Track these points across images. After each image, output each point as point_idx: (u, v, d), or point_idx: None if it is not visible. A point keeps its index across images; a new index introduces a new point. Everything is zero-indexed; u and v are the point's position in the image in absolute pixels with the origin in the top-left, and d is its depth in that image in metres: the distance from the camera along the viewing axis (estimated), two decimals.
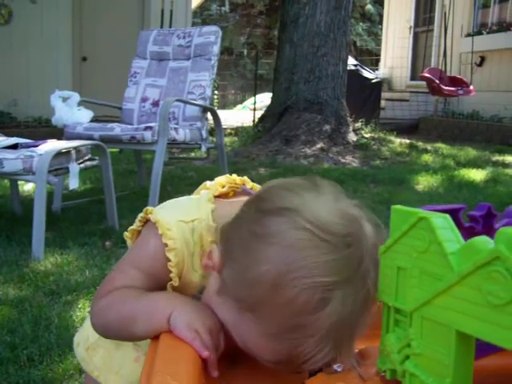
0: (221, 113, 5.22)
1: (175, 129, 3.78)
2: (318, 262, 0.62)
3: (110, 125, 3.79)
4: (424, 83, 9.18)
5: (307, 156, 6.20)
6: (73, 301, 2.21)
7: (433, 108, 10.78)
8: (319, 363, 0.65)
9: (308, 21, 6.89)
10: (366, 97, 10.00)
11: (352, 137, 6.99)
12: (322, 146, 6.43)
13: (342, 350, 0.65)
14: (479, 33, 10.25)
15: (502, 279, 0.47)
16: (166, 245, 0.78)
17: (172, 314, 0.70)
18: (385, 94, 11.52)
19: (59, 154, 2.85)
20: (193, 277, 0.81)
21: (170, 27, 7.51)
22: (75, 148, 3.04)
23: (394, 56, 13.20)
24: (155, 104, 4.32)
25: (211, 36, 4.32)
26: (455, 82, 9.03)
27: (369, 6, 21.18)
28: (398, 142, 7.72)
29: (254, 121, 8.95)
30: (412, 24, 12.87)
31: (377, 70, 13.84)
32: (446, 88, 8.67)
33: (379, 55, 14.98)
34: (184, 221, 0.80)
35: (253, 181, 0.93)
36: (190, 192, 0.95)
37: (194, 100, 4.13)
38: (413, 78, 12.56)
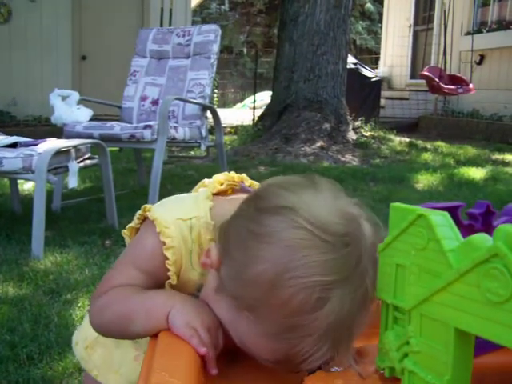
0: (220, 111, 5.22)
1: (175, 127, 3.78)
2: (316, 261, 0.62)
3: (109, 123, 3.79)
4: (424, 82, 9.18)
5: (307, 154, 6.20)
6: (72, 299, 2.21)
7: (432, 106, 10.78)
8: (317, 362, 0.65)
9: (308, 19, 6.89)
10: (365, 95, 10.00)
11: (352, 135, 6.99)
12: (321, 145, 6.43)
13: (340, 349, 0.65)
14: (479, 31, 10.24)
15: (501, 276, 0.47)
16: (163, 243, 0.78)
17: (170, 311, 0.70)
18: (384, 93, 11.52)
19: (59, 153, 2.85)
20: (191, 275, 0.81)
21: (170, 26, 7.51)
22: (75, 147, 3.04)
23: (394, 54, 13.20)
24: (155, 102, 4.32)
25: (211, 34, 4.32)
26: (455, 80, 9.03)
27: (368, 5, 21.17)
28: (398, 141, 7.72)
29: (253, 119, 8.95)
30: (412, 22, 12.86)
31: (376, 68, 13.84)
32: (446, 86, 8.67)
33: (379, 54, 14.98)
34: (182, 219, 0.80)
35: (252, 179, 0.92)
36: (189, 190, 0.95)
37: (194, 98, 4.13)
38: (412, 76, 12.56)
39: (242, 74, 21.39)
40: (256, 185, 0.88)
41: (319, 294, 0.61)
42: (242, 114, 12.06)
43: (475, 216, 0.72)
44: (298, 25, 6.94)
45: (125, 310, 0.76)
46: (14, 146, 2.93)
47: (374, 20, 21.25)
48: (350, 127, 7.15)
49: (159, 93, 4.34)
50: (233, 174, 0.90)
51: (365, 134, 7.48)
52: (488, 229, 0.70)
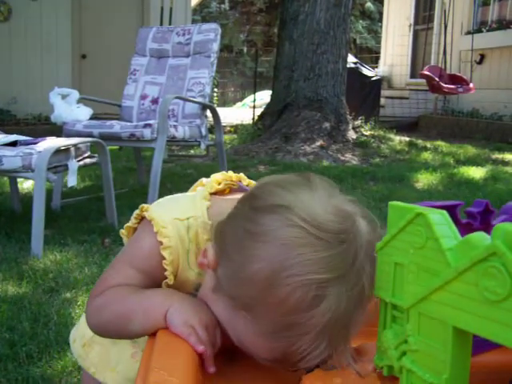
0: (220, 110, 5.22)
1: (174, 126, 3.78)
2: (312, 259, 0.62)
3: (109, 122, 3.79)
4: (424, 81, 9.18)
5: (307, 153, 6.20)
6: (72, 298, 2.21)
7: (432, 106, 10.78)
8: (315, 361, 0.65)
9: (308, 18, 6.89)
10: (365, 94, 9.99)
11: (352, 134, 6.99)
12: (321, 144, 6.43)
13: (338, 347, 0.65)
14: (479, 30, 10.24)
15: (499, 275, 0.47)
16: (160, 243, 0.78)
17: (168, 310, 0.70)
18: (384, 92, 11.52)
19: (58, 152, 2.85)
20: (188, 274, 0.81)
21: (170, 25, 7.50)
22: (74, 145, 3.04)
23: (394, 54, 13.19)
24: (154, 101, 4.32)
25: (211, 33, 4.32)
26: (455, 79, 9.03)
27: (369, 4, 21.16)
28: (398, 140, 7.72)
29: (253, 118, 8.95)
30: (412, 22, 12.86)
31: (376, 67, 13.84)
32: (446, 86, 8.67)
33: (379, 53, 14.98)
34: (179, 218, 0.80)
35: (251, 178, 0.92)
36: (189, 189, 0.95)
37: (194, 97, 4.13)
38: (412, 75, 12.55)
39: (242, 73, 21.39)
40: (254, 184, 0.88)
41: (316, 291, 0.61)
42: (241, 112, 12.06)
43: (474, 215, 0.72)
44: (298, 24, 6.93)
45: (123, 310, 0.75)
46: (13, 144, 2.93)
47: (374, 19, 21.25)
48: (350, 126, 7.15)
49: (159, 91, 4.34)
50: (231, 173, 0.90)
51: (365, 133, 7.47)
52: (487, 227, 0.70)
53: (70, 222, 3.28)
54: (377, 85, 10.59)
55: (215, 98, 12.22)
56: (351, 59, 9.83)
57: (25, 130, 6.72)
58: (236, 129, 8.68)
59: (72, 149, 3.02)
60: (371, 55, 18.69)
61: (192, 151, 6.49)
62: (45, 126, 7.25)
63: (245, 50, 22.76)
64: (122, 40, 8.53)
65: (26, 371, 1.66)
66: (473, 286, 0.49)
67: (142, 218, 0.84)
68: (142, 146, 3.78)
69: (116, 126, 3.64)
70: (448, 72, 9.29)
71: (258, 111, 8.55)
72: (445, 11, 9.40)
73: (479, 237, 0.51)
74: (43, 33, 8.55)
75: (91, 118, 3.93)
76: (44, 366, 1.69)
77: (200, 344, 0.66)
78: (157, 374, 0.58)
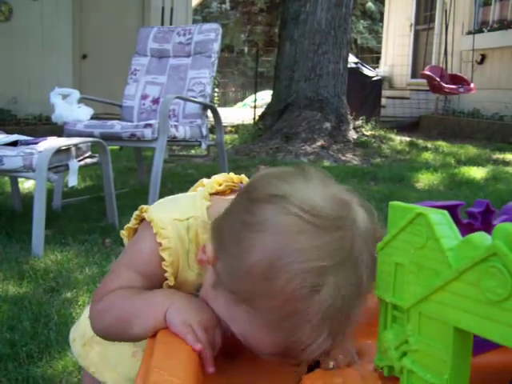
0: (221, 110, 5.22)
1: (175, 126, 3.78)
2: (308, 246, 0.62)
3: (110, 122, 3.79)
4: (425, 81, 9.18)
5: (307, 153, 6.20)
6: (72, 298, 2.21)
7: (433, 106, 10.77)
8: (317, 351, 0.64)
9: (309, 18, 6.88)
10: (366, 95, 9.99)
11: (352, 134, 6.98)
12: (322, 144, 6.43)
13: (340, 337, 0.65)
14: (480, 31, 10.23)
15: (500, 275, 0.46)
16: (160, 244, 0.78)
17: (168, 310, 0.70)
18: (385, 92, 11.51)
19: (59, 151, 2.85)
20: (188, 275, 0.81)
21: (171, 25, 7.50)
22: (75, 145, 3.04)
23: (395, 54, 13.19)
24: (155, 101, 4.32)
25: (211, 33, 4.32)
26: (456, 79, 9.02)
27: (369, 4, 21.15)
28: (399, 140, 7.71)
29: (254, 118, 8.95)
30: (413, 22, 12.85)
31: (377, 67, 13.83)
32: (447, 86, 8.67)
33: (380, 53, 14.97)
34: (179, 219, 0.80)
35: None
36: (189, 189, 0.95)
37: (194, 97, 4.13)
38: (413, 75, 12.55)
39: (243, 73, 21.39)
40: None
41: (314, 279, 0.61)
42: (242, 112, 12.06)
43: (475, 215, 0.72)
44: (299, 24, 6.93)
45: (124, 313, 0.75)
46: (14, 144, 2.93)
47: (375, 19, 21.24)
48: (351, 126, 7.14)
49: (160, 91, 4.34)
50: (232, 174, 0.90)
51: (365, 133, 7.47)
52: (487, 227, 0.70)
53: (71, 222, 3.28)
54: (378, 85, 10.59)
55: (216, 98, 12.23)
56: (352, 59, 9.82)
57: (25, 129, 6.72)
58: (237, 129, 8.68)
59: (73, 149, 3.02)
60: (372, 55, 18.68)
61: (193, 151, 6.49)
62: (45, 126, 7.26)
63: (246, 49, 22.76)
64: (122, 40, 8.53)
65: (27, 371, 1.66)
66: (473, 287, 0.49)
67: (141, 219, 0.84)
68: (142, 145, 3.78)
69: (117, 126, 3.64)
70: (449, 72, 9.28)
71: (259, 111, 8.55)
72: (446, 11, 9.40)
73: (480, 237, 0.51)
74: (44, 33, 8.55)
75: (92, 118, 3.93)
76: (44, 366, 1.69)
77: (198, 343, 0.66)
78: (157, 374, 0.58)
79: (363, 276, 0.64)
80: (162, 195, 0.90)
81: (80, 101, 3.99)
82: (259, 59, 12.31)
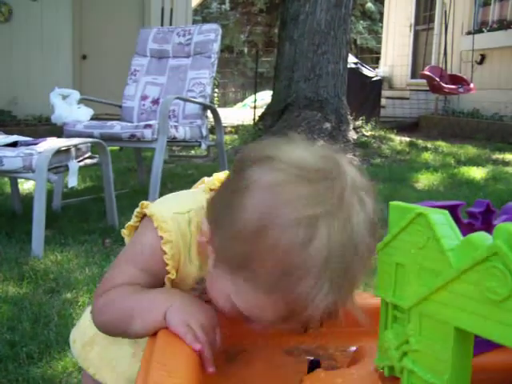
0: (221, 111, 5.22)
1: (175, 127, 3.77)
2: (297, 197, 0.62)
3: (109, 123, 3.79)
4: (424, 81, 9.18)
5: None
6: (72, 298, 2.21)
7: (433, 106, 10.77)
8: (321, 307, 0.63)
9: (308, 18, 6.88)
10: (366, 95, 9.99)
11: (352, 135, 6.98)
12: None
13: (342, 293, 0.64)
14: (480, 31, 10.23)
15: (500, 275, 0.46)
16: (161, 237, 0.78)
17: (168, 309, 0.71)
18: (385, 92, 11.51)
19: (59, 152, 2.85)
20: (190, 269, 0.81)
21: (171, 25, 7.51)
22: (75, 146, 3.04)
23: (395, 54, 13.19)
24: (155, 102, 4.32)
25: (211, 34, 4.32)
26: (456, 80, 9.02)
27: (369, 4, 21.16)
28: (399, 140, 7.71)
29: (254, 119, 8.95)
30: (412, 22, 12.85)
31: (377, 68, 13.84)
32: (447, 86, 8.67)
33: (379, 53, 14.98)
34: (180, 213, 0.80)
35: None
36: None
37: (194, 98, 4.13)
38: (413, 76, 12.55)
39: (243, 74, 21.39)
40: None
41: (306, 228, 0.61)
42: (242, 113, 12.06)
43: (475, 215, 0.72)
44: (298, 24, 6.93)
45: (124, 310, 0.76)
46: (14, 145, 2.93)
47: (375, 19, 21.25)
48: (351, 127, 7.14)
49: (160, 92, 4.34)
50: None
51: (365, 133, 7.47)
52: (488, 227, 0.70)
53: (71, 223, 3.28)
54: (377, 85, 10.59)
55: (216, 99, 12.23)
56: (352, 59, 9.82)
57: (25, 130, 6.72)
58: (237, 129, 8.68)
59: (72, 149, 3.02)
60: (372, 55, 18.69)
61: (193, 152, 6.49)
62: (45, 127, 7.25)
63: (245, 50, 22.76)
64: (122, 40, 8.53)
65: (27, 372, 1.66)
66: (474, 286, 0.49)
67: (142, 217, 0.84)
68: (142, 146, 3.78)
69: (116, 127, 3.64)
70: (449, 72, 9.28)
71: (259, 111, 8.54)
72: (445, 11, 9.40)
73: (481, 237, 0.51)
74: (44, 33, 8.55)
75: (92, 119, 3.93)
76: (44, 367, 1.69)
77: (197, 343, 0.66)
78: (157, 375, 0.58)
79: (358, 227, 0.64)
80: (161, 196, 0.91)
81: (80, 101, 3.99)
82: (259, 60, 12.31)
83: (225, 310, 0.72)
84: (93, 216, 3.43)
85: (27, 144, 2.93)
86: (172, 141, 3.74)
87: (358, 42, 20.89)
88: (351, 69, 8.81)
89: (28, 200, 3.60)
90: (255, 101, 10.57)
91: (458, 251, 0.52)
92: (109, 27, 9.16)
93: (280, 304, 0.64)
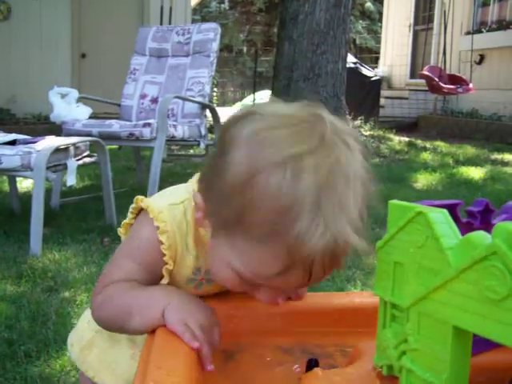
0: (220, 110, 5.21)
1: (174, 126, 3.77)
2: (278, 138, 0.64)
3: (108, 121, 3.79)
4: (423, 81, 9.18)
5: None
6: (70, 297, 2.21)
7: (432, 106, 10.78)
8: (320, 247, 0.62)
9: (307, 18, 6.88)
10: (365, 95, 9.99)
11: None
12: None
13: (339, 228, 0.63)
14: (479, 31, 10.24)
15: (499, 274, 0.46)
16: (157, 228, 0.79)
17: (166, 308, 0.71)
18: (384, 92, 11.51)
19: (57, 151, 2.84)
20: (187, 259, 0.81)
21: (170, 24, 7.50)
22: (73, 144, 3.04)
23: (394, 54, 13.19)
24: (154, 101, 4.32)
25: (210, 33, 4.32)
26: (455, 80, 9.03)
27: (368, 4, 21.15)
28: (397, 140, 7.72)
29: None
30: (412, 22, 12.86)
31: (376, 67, 13.84)
32: (446, 86, 8.67)
33: (379, 53, 14.98)
34: (174, 203, 0.81)
35: None
36: None
37: (193, 97, 4.13)
38: (412, 75, 12.56)
39: (242, 73, 21.38)
40: None
41: (292, 166, 0.62)
42: None
43: (474, 214, 0.71)
44: (297, 24, 6.93)
45: (122, 306, 0.76)
46: (12, 143, 2.93)
47: (374, 19, 21.24)
48: (350, 126, 7.14)
49: (158, 91, 4.34)
50: None
51: (364, 133, 7.47)
52: (487, 227, 0.70)
53: (69, 222, 3.28)
54: (376, 85, 10.59)
55: (215, 98, 12.22)
56: (351, 59, 9.82)
57: (24, 129, 6.71)
58: None
59: (71, 148, 3.02)
60: (371, 55, 18.69)
61: (191, 151, 6.49)
62: (44, 125, 7.25)
63: (244, 49, 22.75)
64: (121, 39, 8.52)
65: (25, 370, 1.66)
66: (473, 285, 0.49)
67: (137, 213, 0.85)
68: (141, 145, 3.78)
69: (115, 126, 3.64)
70: (448, 72, 9.29)
71: None
72: (445, 11, 9.40)
73: (480, 236, 0.51)
74: (43, 32, 8.54)
75: (90, 117, 3.93)
76: (42, 365, 1.69)
77: (195, 341, 0.66)
78: (155, 373, 0.58)
79: (346, 161, 0.65)
80: None
81: (79, 100, 3.99)
82: (258, 59, 12.32)
83: (229, 283, 0.73)
84: (91, 215, 3.43)
85: (26, 142, 2.93)
86: (171, 140, 3.74)
87: (357, 41, 20.89)
88: (350, 68, 8.81)
89: (26, 198, 3.60)
90: (254, 100, 10.57)
91: (457, 250, 0.52)
92: (108, 26, 9.16)
93: (279, 251, 0.64)
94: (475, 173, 5.44)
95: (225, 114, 9.85)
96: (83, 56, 9.21)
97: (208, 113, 4.36)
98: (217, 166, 0.69)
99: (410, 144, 7.52)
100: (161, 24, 7.73)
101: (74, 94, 3.95)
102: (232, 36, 21.79)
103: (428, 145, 7.52)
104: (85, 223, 3.26)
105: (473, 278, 0.49)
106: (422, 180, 5.08)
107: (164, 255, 0.79)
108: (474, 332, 0.50)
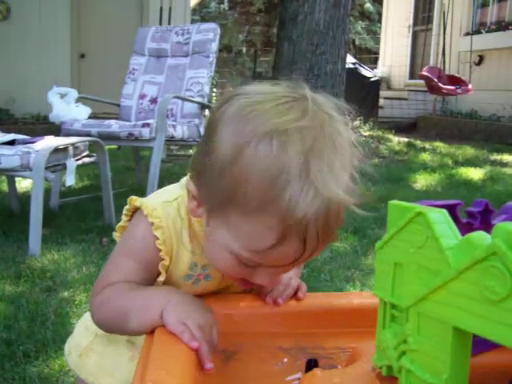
0: None
1: (173, 126, 3.77)
2: (262, 111, 0.66)
3: (107, 121, 3.78)
4: (423, 82, 9.18)
5: None
6: (69, 297, 2.20)
7: (431, 107, 10.78)
8: (313, 213, 0.64)
9: (307, 19, 6.88)
10: (364, 95, 9.99)
11: (351, 135, 6.98)
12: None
13: (331, 192, 0.64)
14: (478, 32, 10.25)
15: (499, 274, 0.46)
16: (152, 224, 0.80)
17: (165, 308, 0.70)
18: (383, 93, 11.52)
19: (57, 151, 2.84)
20: (183, 254, 0.82)
21: (169, 25, 7.50)
22: (73, 144, 3.03)
23: (393, 55, 13.20)
24: (153, 101, 4.31)
25: (209, 33, 4.32)
26: (454, 80, 9.03)
27: (368, 5, 21.16)
28: (397, 141, 7.72)
29: None
30: (411, 23, 12.86)
31: (375, 68, 13.84)
32: (445, 87, 8.67)
33: (378, 54, 14.98)
34: (168, 201, 0.83)
35: None
36: None
37: (192, 97, 4.12)
38: (411, 76, 12.56)
39: (241, 73, 21.37)
40: None
41: (278, 136, 0.64)
42: None
43: (474, 214, 0.71)
44: (297, 24, 6.93)
45: (120, 308, 0.76)
46: (12, 143, 2.93)
47: (374, 20, 21.24)
48: (350, 127, 7.14)
49: (158, 91, 4.34)
50: None
51: (363, 133, 7.48)
52: (487, 227, 0.70)
53: (68, 222, 3.28)
54: (376, 85, 10.60)
55: (214, 98, 12.20)
56: (350, 60, 9.83)
57: (23, 129, 6.71)
58: None
59: (70, 148, 3.02)
60: (370, 56, 18.69)
61: (191, 151, 6.48)
62: (43, 125, 7.24)
63: (244, 50, 22.75)
64: (120, 39, 8.51)
65: (23, 370, 1.66)
66: (473, 286, 0.49)
67: (131, 215, 0.86)
68: (140, 145, 3.78)
69: (114, 126, 3.63)
70: (447, 73, 9.29)
71: None
72: (444, 12, 9.40)
73: (479, 236, 0.51)
74: (42, 32, 8.53)
75: (90, 118, 3.92)
76: (41, 365, 1.69)
77: (194, 341, 0.66)
78: (154, 373, 0.58)
79: (331, 128, 0.68)
80: None
81: (78, 100, 3.99)
82: (257, 59, 12.32)
83: (228, 268, 0.74)
84: (90, 215, 3.43)
85: (25, 142, 2.93)
86: (170, 140, 3.74)
87: (357, 42, 20.89)
88: (349, 69, 8.81)
89: (25, 198, 3.59)
90: None
91: (457, 250, 0.52)
92: (107, 26, 9.15)
93: (273, 220, 0.65)
94: (474, 173, 5.44)
95: None
96: (82, 56, 9.21)
97: (207, 113, 4.36)
98: (205, 149, 0.71)
99: (409, 144, 7.52)
100: (160, 24, 7.73)
101: (73, 94, 3.95)
102: (231, 36, 21.79)
103: (427, 145, 7.52)
104: (84, 223, 3.26)
105: (473, 278, 0.49)
106: (422, 180, 5.08)
107: (160, 250, 0.80)
108: (474, 332, 0.50)
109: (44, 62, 8.54)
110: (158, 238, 0.79)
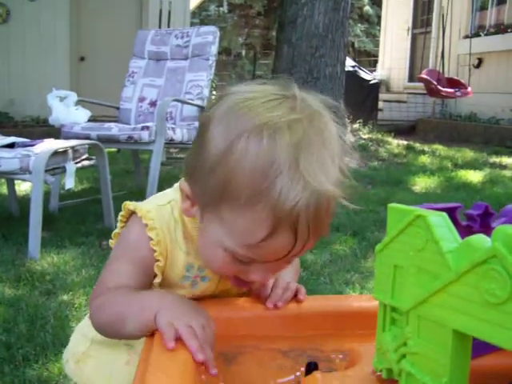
0: None
1: (172, 129, 3.77)
2: (251, 108, 0.68)
3: (107, 124, 3.79)
4: (422, 85, 9.19)
5: None
6: (69, 300, 2.20)
7: (430, 109, 10.79)
8: (303, 204, 0.65)
9: (306, 21, 6.89)
10: (363, 98, 10.00)
11: (349, 138, 6.98)
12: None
13: (322, 185, 0.66)
14: (477, 35, 10.26)
15: (499, 277, 0.46)
16: (146, 225, 0.81)
17: (159, 311, 0.70)
18: (382, 96, 11.53)
19: (56, 154, 2.84)
20: (178, 255, 0.83)
21: (169, 27, 7.51)
22: (72, 147, 3.04)
23: (392, 57, 13.21)
24: (153, 104, 4.31)
25: (209, 36, 4.32)
26: (453, 83, 9.04)
27: (367, 8, 21.19)
28: (396, 143, 7.72)
29: None
30: (410, 25, 12.88)
31: (375, 71, 13.85)
32: (444, 89, 8.68)
33: (377, 56, 15.00)
34: (161, 204, 0.84)
35: None
36: None
37: (192, 100, 4.12)
38: (411, 79, 12.57)
39: (241, 76, 21.37)
40: None
41: (268, 130, 0.65)
42: None
43: (473, 217, 0.71)
44: (296, 27, 6.94)
45: (117, 312, 0.76)
46: (11, 146, 2.93)
47: (373, 23, 21.27)
48: (348, 129, 7.15)
49: (157, 94, 4.34)
50: None
51: (363, 136, 7.48)
52: (486, 230, 0.70)
53: (68, 225, 3.28)
54: (375, 88, 10.60)
55: (213, 101, 12.21)
56: (349, 62, 9.84)
57: (23, 132, 6.71)
58: None
59: (70, 151, 3.02)
60: (369, 59, 18.71)
61: None
62: (43, 128, 7.24)
63: (243, 53, 22.76)
64: (120, 42, 8.52)
65: (23, 373, 1.65)
66: (473, 289, 0.49)
67: (126, 221, 0.87)
68: (139, 148, 3.78)
69: (114, 129, 3.64)
70: (446, 76, 9.30)
71: None
72: (443, 15, 9.42)
73: (479, 239, 0.51)
74: (41, 35, 8.54)
75: (89, 121, 3.92)
76: (40, 369, 1.69)
77: (172, 341, 0.64)
78: (154, 377, 0.58)
79: (319, 123, 0.69)
80: None
81: (77, 103, 3.99)
82: (257, 62, 12.33)
83: (222, 265, 0.75)
84: (90, 218, 3.43)
85: (24, 145, 2.93)
86: (169, 143, 3.74)
87: (356, 45, 20.91)
88: (349, 72, 8.82)
89: (25, 201, 3.59)
90: None
91: (457, 253, 0.52)
92: (107, 29, 9.16)
93: (265, 212, 0.66)
94: (474, 176, 5.44)
95: None
96: (82, 59, 9.21)
97: None
98: (198, 147, 0.73)
99: (408, 147, 7.52)
100: (159, 27, 7.74)
101: (73, 97, 3.95)
102: (231, 39, 21.80)
103: (426, 148, 7.52)
104: (83, 226, 3.26)
105: (473, 281, 0.49)
106: (421, 183, 5.08)
107: (154, 251, 0.81)
108: (474, 335, 0.50)
109: (43, 65, 8.55)
110: (152, 239, 0.80)
